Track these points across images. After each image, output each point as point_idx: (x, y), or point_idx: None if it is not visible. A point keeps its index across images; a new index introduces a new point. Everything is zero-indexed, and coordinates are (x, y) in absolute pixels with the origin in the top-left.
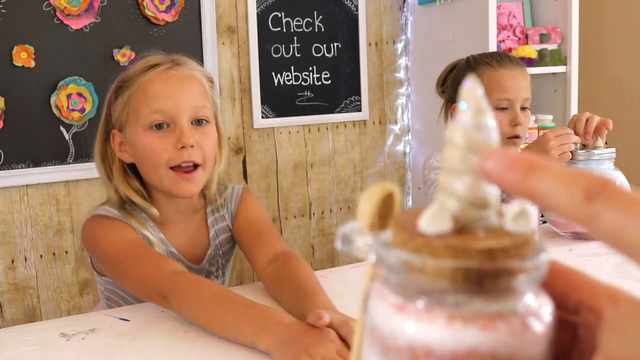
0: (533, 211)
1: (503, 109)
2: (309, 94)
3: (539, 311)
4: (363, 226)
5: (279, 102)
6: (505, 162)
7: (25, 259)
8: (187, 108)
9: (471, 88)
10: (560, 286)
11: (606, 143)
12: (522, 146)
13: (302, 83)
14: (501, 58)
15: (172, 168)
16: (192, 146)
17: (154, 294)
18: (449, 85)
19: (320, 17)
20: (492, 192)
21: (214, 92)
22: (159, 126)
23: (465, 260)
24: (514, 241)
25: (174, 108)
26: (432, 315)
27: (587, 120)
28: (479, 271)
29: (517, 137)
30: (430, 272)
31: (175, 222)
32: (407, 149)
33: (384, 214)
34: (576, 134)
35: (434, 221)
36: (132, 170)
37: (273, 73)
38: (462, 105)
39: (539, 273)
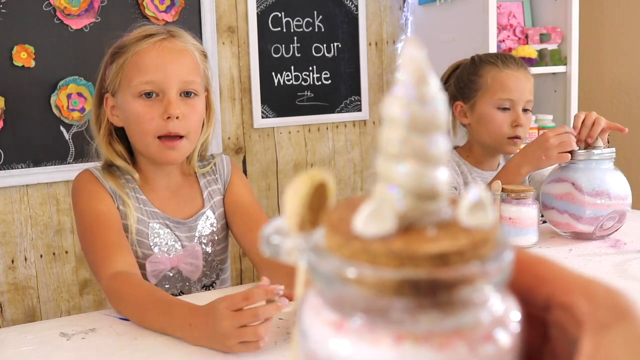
0: (491, 200)
1: (505, 109)
2: (309, 93)
3: (504, 320)
4: (290, 225)
5: (279, 102)
6: None
7: (25, 259)
8: (177, 81)
9: (410, 52)
10: (527, 279)
11: (608, 141)
12: (522, 147)
13: (302, 83)
14: (506, 59)
15: (158, 137)
16: (177, 117)
17: (100, 285)
18: (451, 84)
19: (320, 17)
20: (442, 178)
21: (206, 65)
22: (148, 95)
23: (412, 269)
24: (471, 240)
25: (164, 80)
26: (376, 335)
27: (593, 124)
28: (430, 281)
29: (518, 137)
30: (370, 284)
31: (160, 184)
32: None
33: (316, 207)
34: (579, 137)
35: (372, 219)
36: (119, 134)
37: (273, 73)
38: (401, 73)
39: (503, 275)
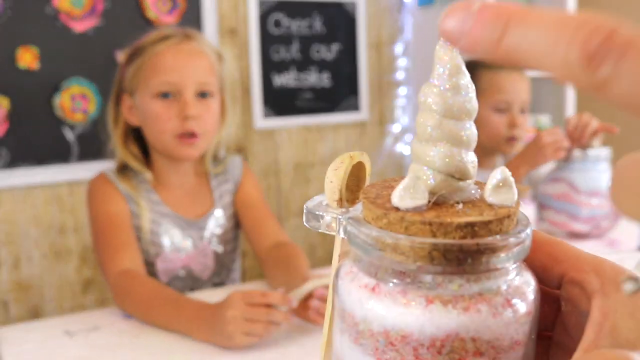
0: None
1: (502, 110)
2: (309, 95)
3: (522, 290)
4: (330, 201)
5: (279, 102)
6: (471, 17)
7: (29, 258)
8: (193, 82)
9: (446, 47)
10: (542, 259)
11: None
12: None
13: (303, 84)
14: None
15: (175, 136)
16: (193, 117)
17: (107, 283)
18: None
19: (321, 18)
20: (471, 160)
21: (222, 66)
22: (165, 95)
23: (442, 237)
24: (496, 215)
25: (181, 81)
26: (408, 298)
27: (584, 126)
28: (459, 249)
29: (515, 138)
30: (404, 251)
31: (173, 183)
32: (407, 150)
33: (354, 186)
34: (572, 138)
35: (407, 194)
36: (135, 135)
37: (274, 74)
38: (437, 65)
39: (522, 249)
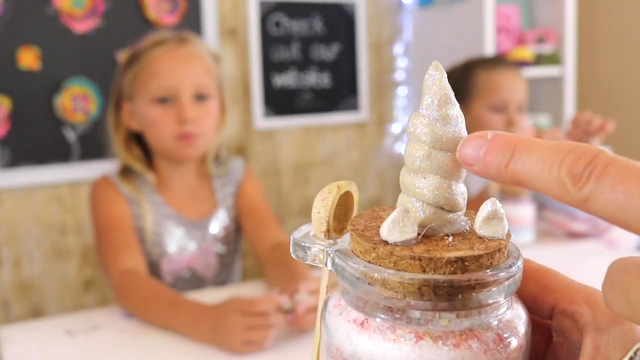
0: (503, 212)
1: (499, 109)
2: (309, 95)
3: (514, 324)
4: (318, 232)
5: (279, 103)
6: (484, 147)
7: (30, 258)
8: (189, 85)
9: (435, 75)
10: (532, 288)
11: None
12: None
13: (303, 84)
14: (497, 60)
15: (174, 138)
16: (191, 121)
17: (109, 282)
18: None
19: (321, 19)
20: (461, 192)
21: (218, 68)
22: (163, 100)
23: (432, 273)
24: (486, 248)
25: (178, 85)
26: (398, 334)
27: (589, 121)
28: (449, 284)
29: None
30: (393, 286)
31: (176, 185)
32: None
33: (341, 215)
34: (581, 129)
35: (396, 228)
36: (136, 138)
37: (274, 74)
38: (426, 95)
39: (513, 282)
